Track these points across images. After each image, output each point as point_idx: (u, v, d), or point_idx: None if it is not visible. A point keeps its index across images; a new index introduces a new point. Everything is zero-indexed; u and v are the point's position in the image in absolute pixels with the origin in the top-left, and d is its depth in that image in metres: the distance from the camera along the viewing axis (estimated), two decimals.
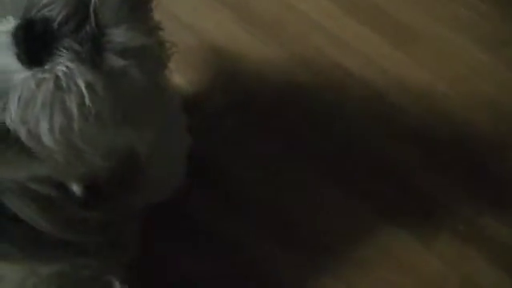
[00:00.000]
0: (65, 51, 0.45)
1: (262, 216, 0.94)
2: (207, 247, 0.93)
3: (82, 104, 0.45)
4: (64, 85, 0.44)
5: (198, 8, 1.05)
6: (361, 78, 1.01)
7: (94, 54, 0.45)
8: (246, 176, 0.96)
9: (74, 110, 0.45)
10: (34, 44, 0.44)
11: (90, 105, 0.45)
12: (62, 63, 0.44)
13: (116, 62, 0.46)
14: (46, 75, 0.44)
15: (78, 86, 0.44)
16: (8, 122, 0.45)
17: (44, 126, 0.45)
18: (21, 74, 0.45)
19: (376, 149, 0.97)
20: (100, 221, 0.59)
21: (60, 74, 0.44)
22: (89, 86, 0.45)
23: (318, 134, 0.99)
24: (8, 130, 0.46)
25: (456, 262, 0.92)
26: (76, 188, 0.56)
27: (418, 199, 0.95)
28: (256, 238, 0.93)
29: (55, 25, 0.45)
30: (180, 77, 0.97)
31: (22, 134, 0.46)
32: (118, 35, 0.46)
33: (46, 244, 0.56)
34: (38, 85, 0.44)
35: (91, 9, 0.46)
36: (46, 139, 0.46)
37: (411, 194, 0.95)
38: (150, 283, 0.89)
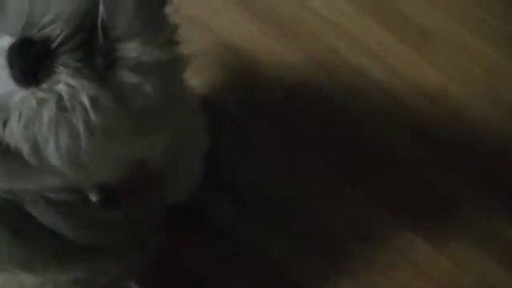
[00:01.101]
0: (63, 69, 0.43)
1: (277, 216, 0.94)
2: (222, 248, 0.93)
3: (88, 121, 0.43)
4: (68, 104, 0.43)
5: (213, 8, 1.04)
6: (375, 78, 1.00)
7: (105, 69, 0.44)
8: (261, 176, 0.96)
9: (81, 128, 0.43)
10: (31, 64, 0.42)
11: (97, 121, 0.43)
12: (62, 81, 0.43)
13: (128, 77, 0.44)
14: (47, 95, 0.43)
15: (82, 103, 0.43)
16: (8, 138, 0.44)
17: (50, 146, 0.44)
18: (19, 94, 0.43)
19: (389, 149, 0.97)
20: (122, 220, 0.58)
21: (63, 92, 0.43)
22: (94, 101, 0.43)
23: (331, 134, 0.98)
24: (8, 146, 0.44)
25: (468, 264, 0.92)
26: (91, 195, 0.55)
27: (431, 201, 0.95)
28: (271, 238, 0.93)
29: (54, 43, 0.43)
30: (195, 77, 0.97)
31: (25, 150, 0.44)
32: (131, 50, 0.45)
33: (67, 252, 0.55)
34: (40, 104, 0.43)
35: (99, 23, 0.44)
36: (52, 158, 0.44)
37: (424, 195, 0.95)
38: (163, 284, 0.89)
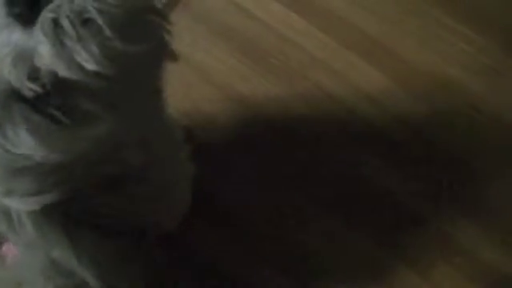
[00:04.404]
0: None
1: (262, 247, 0.95)
2: (206, 278, 0.93)
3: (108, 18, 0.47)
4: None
5: (196, 41, 1.06)
6: (360, 113, 1.02)
7: None
8: (245, 205, 0.97)
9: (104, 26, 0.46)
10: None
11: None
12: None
13: None
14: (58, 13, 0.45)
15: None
16: (43, 66, 0.46)
17: (83, 54, 0.46)
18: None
19: (373, 179, 0.98)
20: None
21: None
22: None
23: (317, 165, 0.99)
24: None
25: None
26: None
27: (414, 230, 0.95)
28: (255, 268, 0.93)
29: None
30: (175, 109, 0.97)
31: (61, 68, 0.46)
32: None
33: None
34: (56, 24, 0.45)
35: None
36: (89, 64, 0.46)
37: (408, 225, 0.96)
38: None
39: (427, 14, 1.06)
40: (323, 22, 1.06)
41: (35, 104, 0.47)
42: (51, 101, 0.48)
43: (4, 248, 0.59)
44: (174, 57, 0.56)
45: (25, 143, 0.47)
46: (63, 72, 0.46)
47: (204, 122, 1.01)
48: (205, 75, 1.04)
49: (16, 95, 0.47)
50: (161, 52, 0.55)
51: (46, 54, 0.45)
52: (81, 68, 0.46)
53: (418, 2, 1.07)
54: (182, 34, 1.05)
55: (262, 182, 0.98)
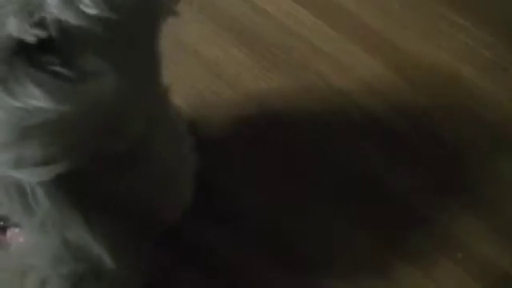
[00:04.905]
0: None
1: (264, 241, 0.94)
2: (206, 276, 0.92)
3: None
4: None
5: (202, 34, 1.07)
6: (363, 104, 1.02)
7: None
8: (247, 200, 0.96)
9: None
10: None
11: None
12: None
13: None
14: None
15: None
16: (49, 14, 0.45)
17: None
18: None
19: (375, 174, 0.98)
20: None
21: None
22: None
23: (319, 160, 0.99)
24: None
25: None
26: None
27: (416, 227, 0.95)
28: (256, 262, 0.93)
29: None
30: (181, 100, 0.97)
31: (67, 15, 0.46)
32: None
33: None
34: None
35: None
36: (91, 9, 0.46)
37: (409, 221, 0.96)
38: None
39: (431, 8, 1.07)
40: (328, 14, 1.07)
41: (37, 60, 0.47)
42: (53, 56, 0.48)
43: (8, 235, 0.59)
44: (173, 12, 0.55)
45: (32, 95, 0.47)
46: (69, 18, 0.46)
47: (208, 114, 1.01)
48: (210, 67, 1.04)
49: (19, 50, 0.46)
50: (157, 8, 0.55)
51: (52, 2, 0.45)
52: (83, 14, 0.46)
53: None
54: (188, 25, 1.05)
55: (264, 178, 0.98)
